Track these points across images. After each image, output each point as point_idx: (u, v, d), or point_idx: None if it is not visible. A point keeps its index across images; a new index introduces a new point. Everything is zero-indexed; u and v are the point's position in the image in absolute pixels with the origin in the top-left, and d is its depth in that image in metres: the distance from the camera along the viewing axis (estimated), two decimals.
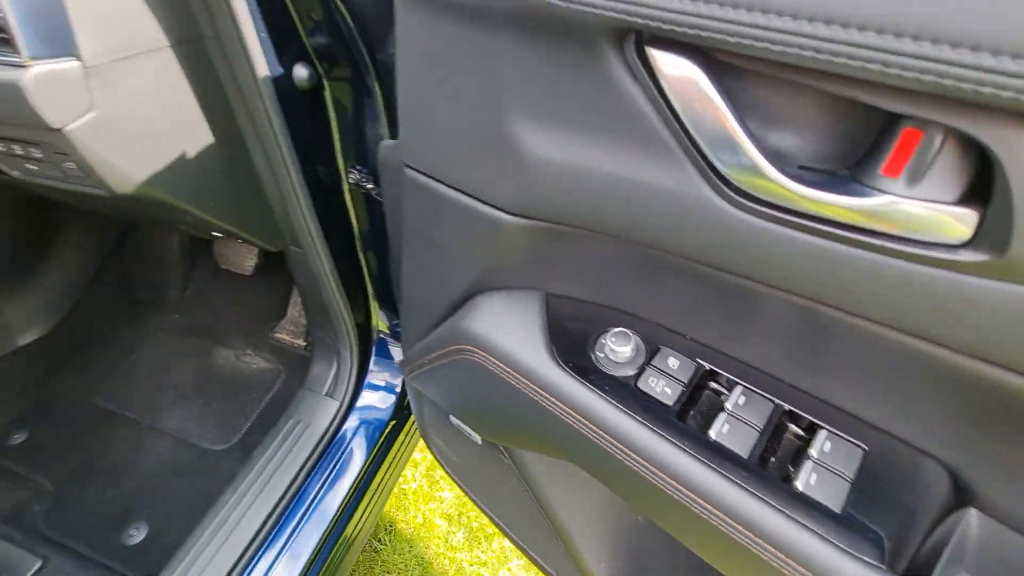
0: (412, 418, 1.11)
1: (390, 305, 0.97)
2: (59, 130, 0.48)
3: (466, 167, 0.41)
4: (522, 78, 0.33)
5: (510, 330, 0.46)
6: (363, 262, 0.88)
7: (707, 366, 0.41)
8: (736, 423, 0.39)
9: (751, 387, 0.40)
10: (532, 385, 0.45)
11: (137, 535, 0.92)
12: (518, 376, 0.45)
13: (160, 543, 0.92)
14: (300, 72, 0.64)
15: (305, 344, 1.21)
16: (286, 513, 0.86)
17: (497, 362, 0.46)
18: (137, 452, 1.03)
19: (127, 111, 0.53)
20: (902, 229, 0.25)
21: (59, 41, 0.46)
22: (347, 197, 0.79)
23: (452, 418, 0.65)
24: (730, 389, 0.40)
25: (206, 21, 0.57)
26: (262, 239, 0.82)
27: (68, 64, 0.47)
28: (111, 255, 1.21)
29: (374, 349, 1.01)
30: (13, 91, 0.44)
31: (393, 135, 0.70)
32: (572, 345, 0.45)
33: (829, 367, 0.36)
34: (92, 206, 0.84)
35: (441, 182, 0.45)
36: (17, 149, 0.54)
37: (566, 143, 0.34)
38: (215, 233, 0.84)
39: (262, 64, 0.59)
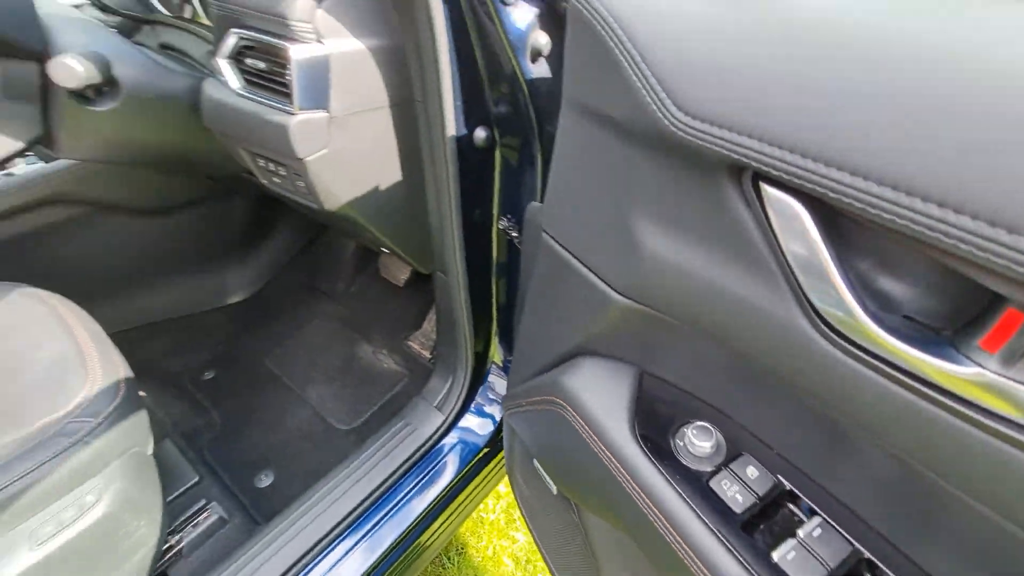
0: (503, 452, 1.17)
1: (508, 341, 1.05)
2: (302, 160, 0.64)
3: (590, 245, 0.47)
4: (649, 185, 0.38)
5: (600, 396, 0.49)
6: (494, 297, 0.98)
7: (788, 485, 0.41)
8: (805, 554, 0.37)
9: (832, 522, 0.38)
10: (608, 453, 0.48)
11: (265, 480, 1.10)
12: (597, 441, 0.49)
13: (279, 493, 1.08)
14: (479, 134, 0.76)
15: (430, 357, 1.34)
16: (377, 502, 0.97)
17: (582, 422, 0.50)
18: (283, 412, 1.23)
19: (347, 151, 0.69)
20: (991, 405, 0.24)
21: (319, 99, 0.62)
22: (493, 239, 0.89)
23: (535, 462, 0.70)
24: (808, 516, 0.39)
25: (419, 88, 0.71)
26: (417, 261, 0.95)
27: (320, 115, 0.63)
28: (304, 249, 1.49)
29: (486, 377, 1.10)
30: (282, 130, 0.62)
31: (542, 199, 0.79)
32: (655, 426, 0.47)
33: (920, 526, 0.34)
34: (303, 211, 1.05)
35: (569, 251, 0.51)
36: (271, 166, 0.73)
37: (678, 245, 0.38)
38: (383, 249, 1.00)
39: (451, 125, 0.72)
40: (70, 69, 0.63)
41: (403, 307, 1.43)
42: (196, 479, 1.04)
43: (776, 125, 0.29)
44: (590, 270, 0.48)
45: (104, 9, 0.90)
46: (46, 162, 0.92)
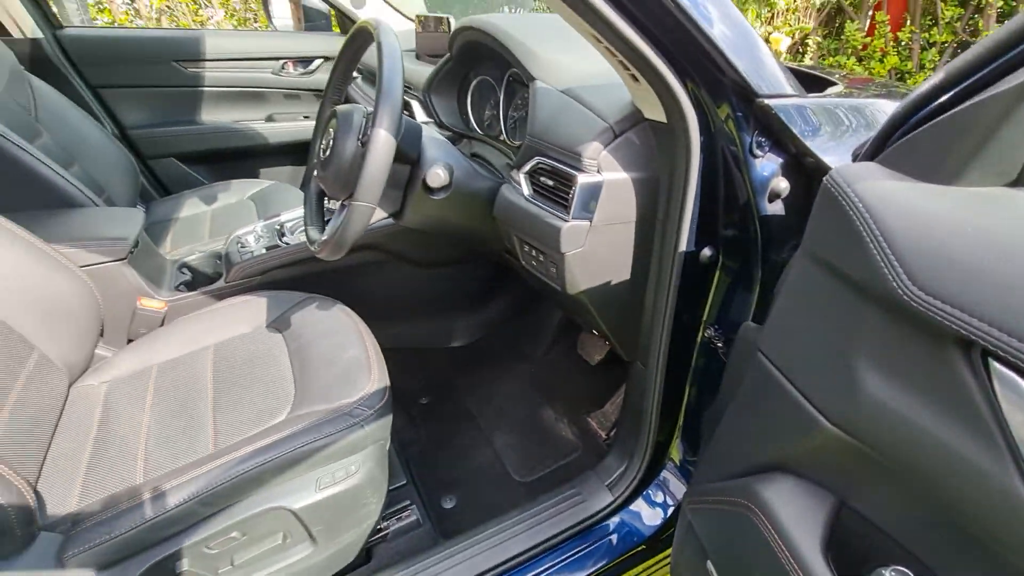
0: (661, 555, 1.17)
1: (690, 441, 1.08)
2: (563, 254, 0.83)
3: (806, 372, 0.53)
4: (875, 336, 0.44)
5: (796, 513, 0.53)
6: (685, 397, 1.04)
7: None
8: None
9: None
10: (797, 570, 0.51)
11: (448, 503, 1.28)
12: (788, 555, 0.52)
13: (459, 516, 1.25)
14: (705, 252, 0.87)
15: (605, 438, 1.42)
16: (539, 556, 1.06)
17: (774, 533, 0.54)
18: (473, 448, 1.42)
19: (595, 251, 0.87)
20: None
21: (587, 212, 0.82)
22: (696, 344, 0.97)
23: (709, 564, 0.73)
24: None
25: (662, 210, 0.86)
26: (622, 347, 1.08)
27: (584, 223, 0.82)
28: (519, 313, 1.73)
29: (660, 471, 1.13)
30: (555, 231, 0.82)
31: (755, 318, 0.85)
32: (848, 560, 0.49)
33: None
34: (536, 285, 1.27)
35: (782, 373, 0.57)
36: (533, 252, 0.95)
37: (899, 393, 0.43)
38: (594, 330, 1.15)
39: (683, 242, 0.84)
40: (439, 176, 0.96)
41: (590, 385, 1.55)
42: (404, 481, 1.27)
43: (1008, 315, 0.34)
44: (802, 394, 0.54)
45: (441, 126, 1.28)
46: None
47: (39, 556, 0.71)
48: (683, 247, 0.84)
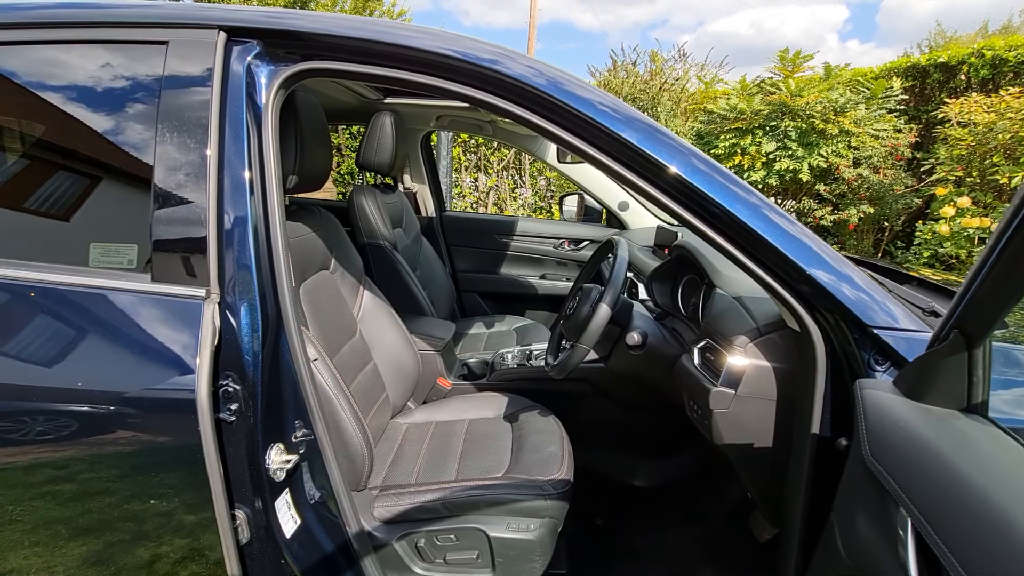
0: None
1: None
2: (711, 410, 1.14)
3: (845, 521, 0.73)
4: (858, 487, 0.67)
5: None
6: None
7: None
8: None
9: None
10: None
11: None
12: None
13: None
14: (841, 441, 1.04)
15: None
16: None
17: None
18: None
19: (738, 415, 1.14)
20: None
21: (733, 383, 1.13)
22: (835, 523, 1.08)
23: None
24: None
25: (800, 392, 1.09)
26: (766, 513, 1.23)
27: (730, 391, 1.12)
28: (701, 474, 1.90)
29: None
30: (706, 393, 1.15)
31: None
32: None
33: None
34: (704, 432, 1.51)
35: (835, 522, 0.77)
36: (692, 404, 1.26)
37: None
38: (750, 494, 1.32)
39: (815, 425, 1.03)
40: (635, 338, 1.42)
41: (751, 563, 1.60)
42: (564, 572, 1.55)
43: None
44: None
45: (656, 304, 1.74)
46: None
47: (363, 498, 1.28)
48: (815, 429, 1.05)
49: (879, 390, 0.70)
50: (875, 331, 0.94)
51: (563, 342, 1.66)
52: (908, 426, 0.62)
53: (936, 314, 1.10)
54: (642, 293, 1.90)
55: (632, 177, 0.98)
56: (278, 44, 1.03)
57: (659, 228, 2.36)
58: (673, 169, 0.95)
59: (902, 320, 0.95)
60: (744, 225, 0.95)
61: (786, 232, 0.96)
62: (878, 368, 0.96)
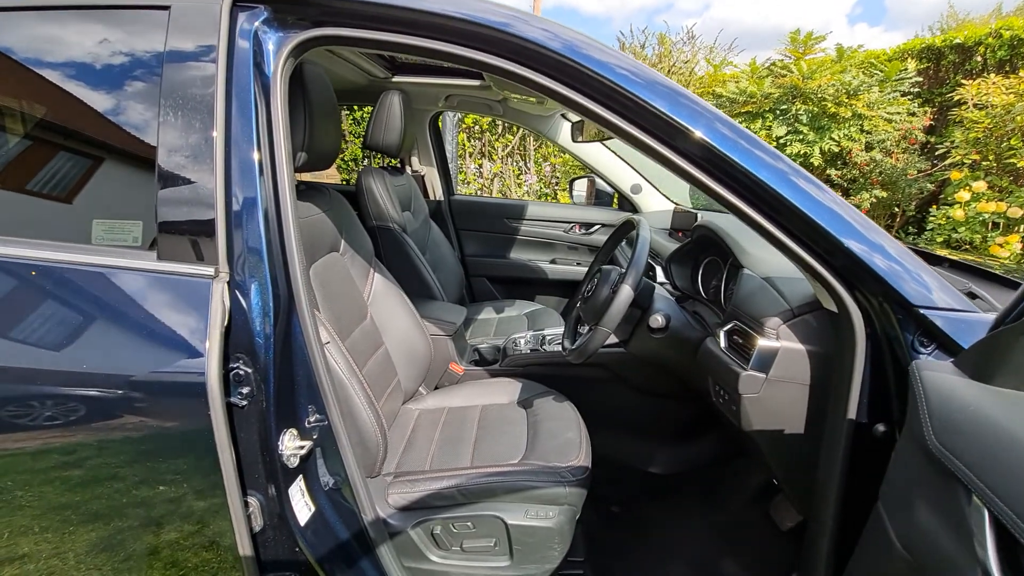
0: None
1: None
2: (740, 395, 1.10)
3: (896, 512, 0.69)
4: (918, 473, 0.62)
5: None
6: None
7: None
8: None
9: None
10: None
11: None
12: None
13: None
14: (879, 428, 1.00)
15: None
16: None
17: None
18: (644, 565, 1.58)
19: (768, 399, 1.10)
20: None
21: (764, 367, 1.08)
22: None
23: None
24: None
25: (834, 372, 1.04)
26: (794, 500, 1.19)
27: (760, 375, 1.08)
28: (717, 462, 1.86)
29: None
30: (735, 376, 1.10)
31: None
32: None
33: None
34: (726, 420, 1.47)
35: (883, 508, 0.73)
36: (719, 390, 1.22)
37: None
38: (775, 480, 1.28)
39: (851, 410, 0.99)
40: (658, 320, 1.37)
41: (773, 551, 1.56)
42: (582, 559, 1.52)
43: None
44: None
45: (675, 287, 1.69)
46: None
47: (377, 484, 1.25)
48: (852, 415, 1.00)
49: (941, 371, 0.65)
50: (921, 311, 0.89)
51: (579, 326, 1.62)
52: (979, 409, 0.57)
53: (973, 295, 1.05)
54: (659, 276, 1.85)
55: (654, 144, 0.92)
56: (287, 9, 0.97)
57: (676, 211, 2.29)
58: (698, 134, 0.90)
59: (949, 300, 0.90)
60: (772, 191, 0.89)
61: (816, 200, 0.90)
62: (923, 350, 0.91)
